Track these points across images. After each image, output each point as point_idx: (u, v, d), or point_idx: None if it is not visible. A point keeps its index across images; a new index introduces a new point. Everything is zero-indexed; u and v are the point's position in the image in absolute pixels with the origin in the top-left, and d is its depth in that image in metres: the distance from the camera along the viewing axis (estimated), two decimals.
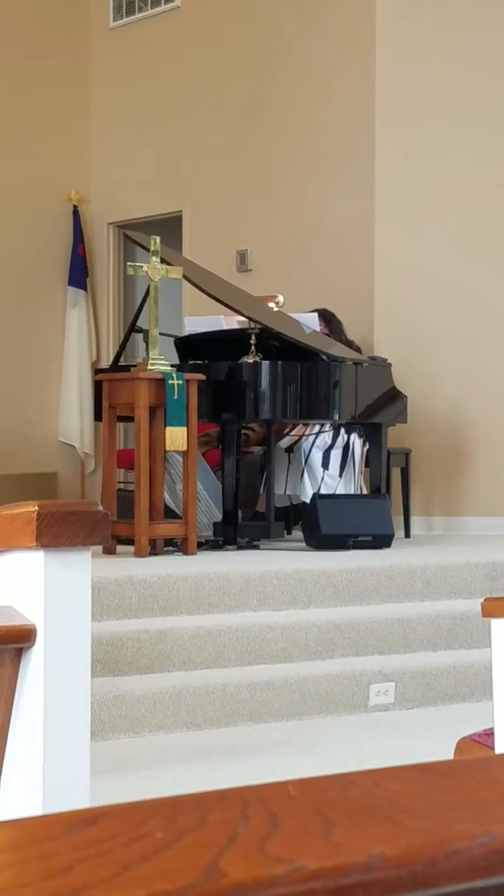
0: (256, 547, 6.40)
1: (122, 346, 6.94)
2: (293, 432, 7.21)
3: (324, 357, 6.47)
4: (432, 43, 7.82)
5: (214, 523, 6.56)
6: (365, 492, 7.07)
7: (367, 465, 7.04)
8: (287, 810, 0.60)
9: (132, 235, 7.24)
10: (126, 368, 6.38)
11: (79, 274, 9.67)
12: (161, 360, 5.92)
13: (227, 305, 6.71)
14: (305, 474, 7.00)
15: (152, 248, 6.03)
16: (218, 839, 0.56)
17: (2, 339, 9.30)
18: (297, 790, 0.63)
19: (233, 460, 6.35)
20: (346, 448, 7.02)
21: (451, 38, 7.78)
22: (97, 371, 7.64)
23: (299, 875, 0.54)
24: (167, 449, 5.85)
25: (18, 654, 1.66)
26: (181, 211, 9.19)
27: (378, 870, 0.56)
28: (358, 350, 7.26)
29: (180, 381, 5.79)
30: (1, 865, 0.54)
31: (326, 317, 7.34)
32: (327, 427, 7.02)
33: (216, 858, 0.54)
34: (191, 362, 6.55)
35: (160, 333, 6.04)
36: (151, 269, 5.97)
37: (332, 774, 0.66)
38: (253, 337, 6.44)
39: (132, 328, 6.68)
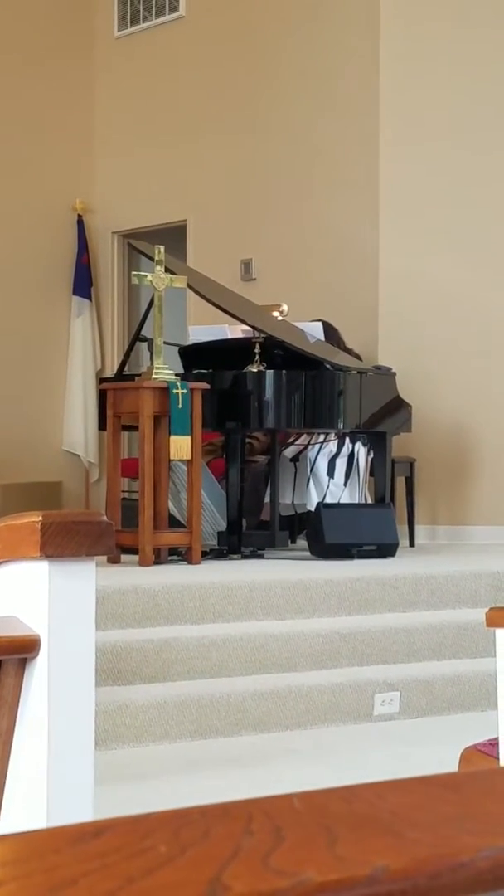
0: (261, 556, 6.39)
1: (127, 355, 6.95)
2: (297, 441, 7.20)
3: (328, 366, 6.48)
4: (437, 50, 7.83)
5: (219, 532, 6.56)
6: (369, 501, 7.07)
7: (371, 473, 7.04)
8: (291, 823, 0.60)
9: (136, 245, 7.25)
10: (130, 377, 6.38)
11: (83, 283, 9.68)
12: (165, 369, 5.92)
13: (231, 314, 6.72)
14: (311, 482, 7.01)
15: (156, 258, 6.04)
16: (222, 852, 0.56)
17: (6, 348, 9.32)
18: (301, 803, 0.63)
19: (237, 469, 6.35)
20: (350, 457, 7.03)
21: (456, 45, 7.79)
22: (101, 380, 7.64)
23: (303, 888, 0.54)
24: (171, 458, 5.85)
25: (22, 664, 1.66)
26: (185, 220, 9.20)
27: (382, 883, 0.56)
28: (358, 357, 7.26)
29: (184, 390, 5.79)
30: (5, 878, 0.54)
31: (323, 327, 7.34)
32: (332, 436, 7.02)
33: (220, 872, 0.54)
34: (195, 371, 6.56)
35: (164, 342, 6.05)
36: (156, 278, 5.98)
37: (335, 787, 0.66)
38: (257, 346, 6.44)
39: (136, 337, 6.68)
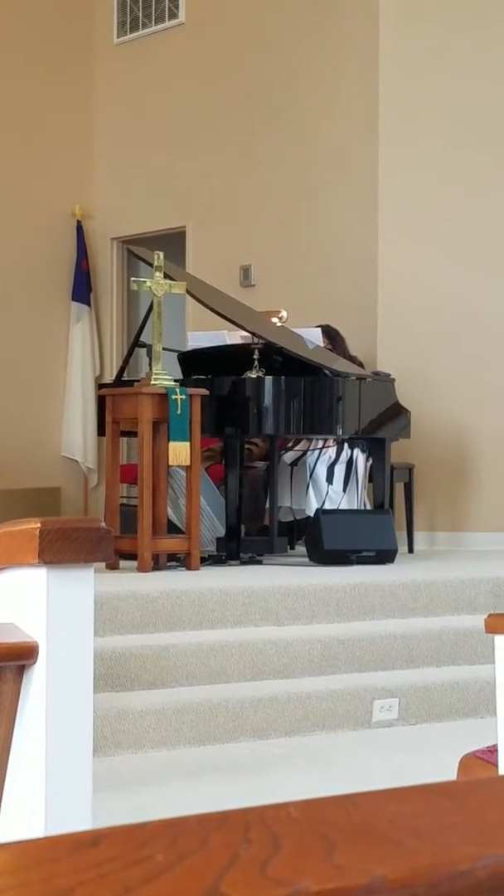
0: (259, 562, 6.39)
1: (126, 361, 6.95)
2: (296, 447, 7.20)
3: (327, 372, 6.48)
4: (436, 54, 7.84)
5: (217, 538, 6.55)
6: (368, 507, 7.06)
7: (370, 480, 7.04)
8: (289, 832, 0.60)
9: (136, 251, 7.25)
10: (129, 383, 6.38)
11: (82, 289, 9.69)
12: (164, 375, 5.92)
13: (230, 321, 6.71)
14: (311, 488, 7.00)
15: (156, 264, 6.04)
16: (219, 861, 0.56)
17: (5, 353, 9.32)
18: (298, 812, 0.63)
19: (236, 475, 6.35)
20: (349, 463, 7.02)
21: (455, 49, 7.79)
22: (100, 386, 7.64)
23: None
24: (170, 464, 5.85)
25: (20, 671, 1.65)
26: (185, 226, 9.21)
27: (380, 892, 0.55)
28: (360, 365, 7.26)
29: (183, 396, 5.79)
30: (2, 888, 0.54)
31: (329, 333, 7.34)
32: (331, 442, 7.02)
33: (217, 881, 0.54)
34: (194, 377, 6.56)
35: (163, 348, 6.05)
36: (155, 284, 5.98)
37: (333, 796, 0.66)
38: (256, 352, 6.45)
39: (135, 343, 6.69)
